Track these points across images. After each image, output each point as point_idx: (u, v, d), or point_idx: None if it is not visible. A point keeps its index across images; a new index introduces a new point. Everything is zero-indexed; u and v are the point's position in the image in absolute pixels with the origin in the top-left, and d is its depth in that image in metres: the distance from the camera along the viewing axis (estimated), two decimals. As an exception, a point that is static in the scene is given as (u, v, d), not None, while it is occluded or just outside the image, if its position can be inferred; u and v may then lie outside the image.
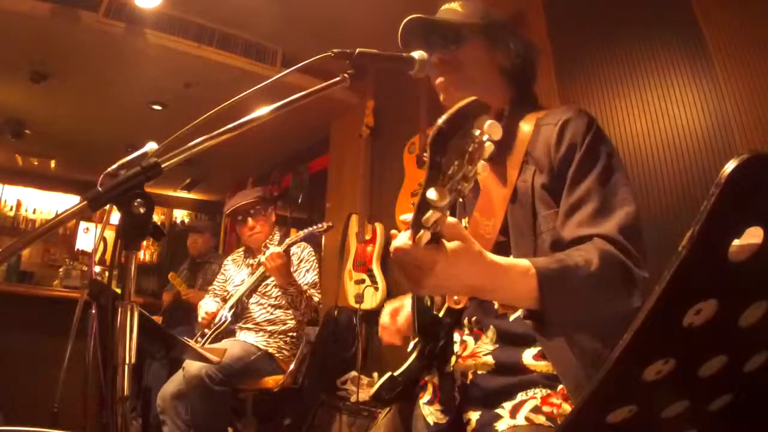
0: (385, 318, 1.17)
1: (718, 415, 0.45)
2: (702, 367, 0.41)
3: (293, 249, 2.57)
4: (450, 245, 0.63)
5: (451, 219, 0.63)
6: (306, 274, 2.53)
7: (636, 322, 0.36)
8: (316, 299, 2.44)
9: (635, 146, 1.94)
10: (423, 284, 0.64)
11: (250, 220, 2.58)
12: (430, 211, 0.55)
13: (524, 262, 0.73)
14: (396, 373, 1.03)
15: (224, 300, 2.66)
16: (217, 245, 5.22)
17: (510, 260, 0.72)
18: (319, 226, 2.39)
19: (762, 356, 0.43)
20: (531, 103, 1.06)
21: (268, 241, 2.62)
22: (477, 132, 0.54)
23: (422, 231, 0.58)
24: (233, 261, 2.80)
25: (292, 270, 2.49)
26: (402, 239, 0.61)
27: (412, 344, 1.06)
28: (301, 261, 2.56)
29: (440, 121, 0.53)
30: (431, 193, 0.54)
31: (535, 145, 0.94)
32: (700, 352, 0.41)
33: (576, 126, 0.90)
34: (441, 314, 1.02)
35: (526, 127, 0.98)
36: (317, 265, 2.59)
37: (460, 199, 1.08)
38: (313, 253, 2.62)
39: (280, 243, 2.59)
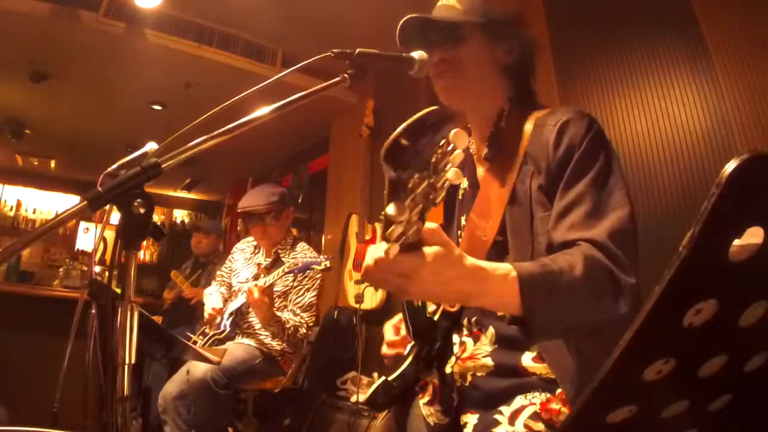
0: (389, 334, 1.14)
1: (718, 415, 0.45)
2: (702, 367, 0.41)
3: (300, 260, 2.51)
4: (429, 250, 0.62)
5: (430, 225, 0.62)
6: (305, 294, 2.42)
7: (636, 322, 0.36)
8: (303, 330, 2.33)
9: (635, 146, 1.94)
10: (409, 290, 0.63)
11: (260, 227, 2.50)
12: (393, 226, 0.55)
13: (506, 266, 0.72)
14: (390, 378, 1.02)
15: (229, 287, 2.63)
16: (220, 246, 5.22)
17: (492, 264, 0.71)
18: (319, 260, 2.24)
19: (762, 356, 0.43)
20: (530, 101, 1.05)
21: (279, 246, 2.54)
22: (441, 142, 0.54)
23: (389, 244, 0.58)
24: (241, 251, 2.71)
25: (294, 284, 2.42)
26: (379, 250, 0.61)
27: (408, 348, 1.06)
28: (305, 277, 2.45)
29: (395, 134, 0.53)
30: (390, 209, 0.53)
31: (534, 146, 0.93)
32: (700, 352, 0.41)
33: (575, 128, 0.89)
34: (436, 317, 1.02)
35: (526, 127, 0.97)
36: (321, 285, 2.49)
37: (459, 197, 1.09)
38: (320, 271, 2.47)
39: (293, 247, 2.53)
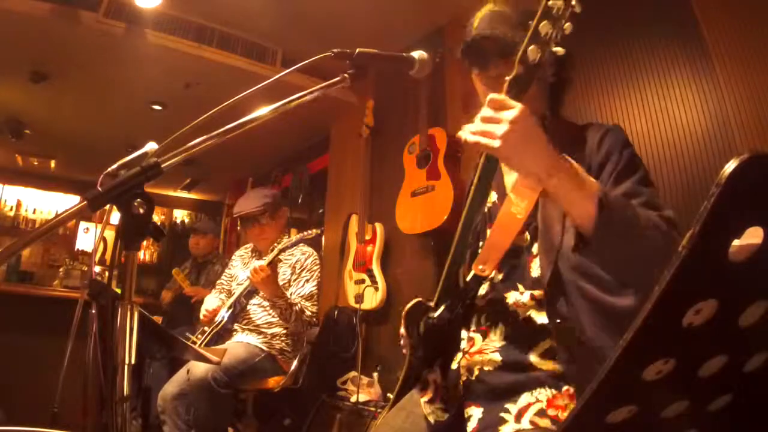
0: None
1: (718, 415, 0.45)
2: (702, 367, 0.41)
3: (297, 255, 2.55)
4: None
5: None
6: (305, 285, 2.48)
7: (636, 322, 0.36)
8: (308, 313, 2.39)
9: (635, 146, 1.93)
10: (507, 139, 0.73)
11: (257, 228, 2.56)
12: (533, 46, 0.77)
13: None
14: (431, 304, 1.02)
15: (230, 294, 2.66)
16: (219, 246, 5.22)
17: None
18: (309, 232, 2.41)
19: (762, 356, 0.43)
20: (561, 113, 1.12)
21: (276, 244, 2.56)
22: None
23: (533, 45, 0.77)
24: (240, 257, 2.76)
25: (293, 278, 2.48)
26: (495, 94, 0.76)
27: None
28: (303, 270, 2.50)
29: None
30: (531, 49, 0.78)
31: (575, 148, 0.96)
32: (700, 352, 0.41)
33: (616, 135, 0.99)
34: (468, 278, 1.01)
35: (565, 137, 0.99)
36: (319, 275, 2.54)
37: (486, 210, 1.09)
38: (318, 263, 2.56)
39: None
